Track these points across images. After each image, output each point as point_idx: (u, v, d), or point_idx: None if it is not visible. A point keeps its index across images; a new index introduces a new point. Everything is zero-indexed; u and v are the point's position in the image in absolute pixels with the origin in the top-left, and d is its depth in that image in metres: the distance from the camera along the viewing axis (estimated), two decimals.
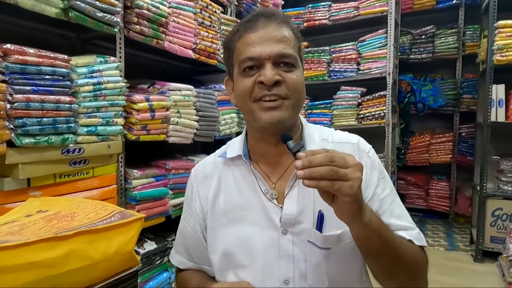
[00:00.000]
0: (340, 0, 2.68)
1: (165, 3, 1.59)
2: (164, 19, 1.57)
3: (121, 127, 1.36)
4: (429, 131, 3.36)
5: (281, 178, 0.71)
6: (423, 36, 3.25)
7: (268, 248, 0.68)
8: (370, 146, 0.75)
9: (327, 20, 2.69)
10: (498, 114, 2.16)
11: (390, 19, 2.46)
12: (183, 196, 0.99)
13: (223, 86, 2.00)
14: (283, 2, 2.74)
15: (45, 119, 1.08)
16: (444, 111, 3.21)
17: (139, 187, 1.47)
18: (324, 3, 2.71)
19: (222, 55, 2.01)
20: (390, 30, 2.46)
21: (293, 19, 2.83)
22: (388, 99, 2.48)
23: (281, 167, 0.71)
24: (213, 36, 1.95)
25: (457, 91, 3.14)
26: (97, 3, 1.22)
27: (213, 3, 1.92)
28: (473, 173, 2.85)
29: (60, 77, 1.12)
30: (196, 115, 1.80)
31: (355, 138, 0.75)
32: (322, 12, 2.71)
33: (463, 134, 3.13)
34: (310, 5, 2.77)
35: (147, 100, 1.48)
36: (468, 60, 3.11)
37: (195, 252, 0.79)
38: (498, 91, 2.16)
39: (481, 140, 2.39)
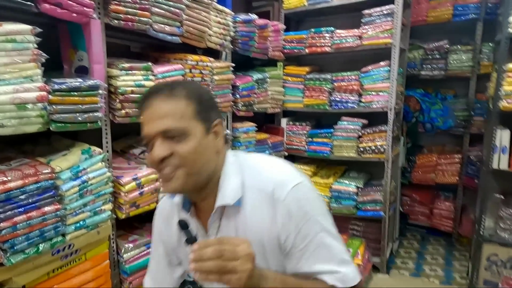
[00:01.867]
0: (343, 26, 2.56)
1: (151, 77, 1.60)
2: None
3: (110, 212, 1.44)
4: (438, 148, 3.27)
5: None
6: (436, 52, 3.07)
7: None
8: (293, 184, 0.72)
9: (329, 48, 2.59)
10: (500, 161, 2.09)
11: (394, 52, 2.34)
12: None
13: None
14: (284, 27, 2.65)
15: (32, 234, 1.17)
16: (453, 132, 3.10)
17: (131, 259, 1.57)
18: (327, 29, 2.60)
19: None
20: (394, 63, 2.35)
21: (295, 44, 2.74)
22: (389, 135, 2.43)
23: (206, 214, 0.79)
24: None
25: (469, 112, 3.00)
26: (79, 106, 1.26)
27: (203, 57, 1.90)
28: None
29: (45, 190, 1.19)
30: None
31: (272, 183, 0.72)
32: (325, 38, 2.60)
33: (472, 156, 3.03)
34: (313, 30, 2.66)
35: (135, 179, 1.54)
36: (482, 79, 2.94)
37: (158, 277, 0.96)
38: (502, 137, 2.07)
39: (483, 182, 2.33)
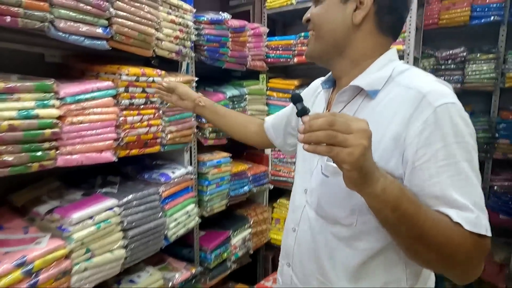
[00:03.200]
0: None
1: (53, 102, 1.04)
2: (50, 130, 1.02)
3: None
4: None
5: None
6: (450, 61, 2.56)
7: (307, 157, 0.83)
8: (454, 100, 0.62)
9: None
10: None
11: (407, 61, 1.82)
12: None
13: (177, 172, 1.49)
14: (267, 30, 2.11)
15: None
16: None
17: None
18: None
19: (170, 136, 1.47)
20: None
21: (281, 51, 2.21)
22: None
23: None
24: (152, 115, 1.39)
25: (491, 133, 2.49)
26: None
27: (147, 69, 1.35)
28: (509, 234, 2.27)
29: None
30: (124, 237, 1.29)
31: (429, 86, 0.64)
32: None
33: (496, 187, 2.51)
34: (303, 34, 2.13)
35: (21, 265, 0.97)
36: (507, 94, 2.45)
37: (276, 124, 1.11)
38: None
39: None
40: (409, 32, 1.80)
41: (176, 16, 1.47)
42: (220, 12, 1.79)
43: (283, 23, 2.56)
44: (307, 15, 0.77)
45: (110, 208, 1.23)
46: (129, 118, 1.28)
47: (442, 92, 0.63)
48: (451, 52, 2.55)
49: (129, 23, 1.24)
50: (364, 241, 0.70)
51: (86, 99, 1.13)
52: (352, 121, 0.51)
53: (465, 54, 2.51)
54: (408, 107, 0.62)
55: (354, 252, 0.71)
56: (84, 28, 1.11)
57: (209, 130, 1.75)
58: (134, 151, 1.34)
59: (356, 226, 0.70)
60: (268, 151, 2.32)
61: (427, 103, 0.61)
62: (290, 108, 1.06)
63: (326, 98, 0.85)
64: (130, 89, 1.28)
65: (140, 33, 1.30)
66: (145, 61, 1.66)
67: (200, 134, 1.76)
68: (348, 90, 0.74)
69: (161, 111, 1.43)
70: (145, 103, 1.35)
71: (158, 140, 1.44)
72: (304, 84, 2.27)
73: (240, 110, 1.96)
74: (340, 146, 0.50)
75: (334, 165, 0.58)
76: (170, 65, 1.63)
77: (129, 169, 1.61)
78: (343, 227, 0.72)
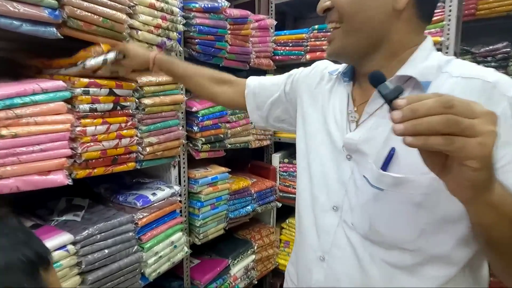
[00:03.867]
0: None
1: None
2: None
3: None
4: None
5: (365, 102, 0.64)
6: (490, 58, 2.20)
7: (333, 168, 0.67)
8: None
9: None
10: None
11: (447, 53, 1.47)
12: None
13: (159, 194, 1.21)
14: (275, 23, 1.80)
15: None
16: None
17: None
18: None
19: (149, 149, 1.17)
20: None
21: (291, 47, 1.89)
22: None
23: (368, 91, 0.64)
24: (124, 124, 1.10)
25: None
26: None
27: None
28: None
29: None
30: (82, 283, 0.99)
31: (495, 75, 0.55)
32: None
33: None
34: (317, 27, 1.81)
35: None
36: None
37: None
38: None
39: None
40: (449, 20, 1.46)
41: None
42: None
43: (294, 16, 2.24)
44: (326, 2, 0.62)
45: (63, 247, 0.94)
46: (90, 128, 0.99)
47: (506, 79, 0.54)
48: (491, 48, 2.19)
49: (87, 4, 0.94)
50: (436, 267, 0.57)
51: (24, 104, 0.84)
52: (471, 102, 0.39)
53: (508, 50, 2.14)
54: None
55: (422, 280, 0.58)
56: (22, 8, 0.83)
57: (201, 140, 1.44)
58: (99, 170, 1.04)
59: (425, 251, 0.57)
60: (276, 163, 2.00)
61: (499, 94, 0.52)
62: (278, 88, 0.89)
63: (347, 93, 0.70)
64: (92, 90, 0.99)
65: (106, 19, 1.00)
66: None
67: (191, 145, 1.46)
68: (392, 81, 0.59)
69: (136, 119, 1.14)
70: (114, 109, 1.06)
71: (133, 155, 1.14)
72: None
73: (241, 117, 1.65)
74: (464, 135, 0.37)
75: (397, 175, 0.55)
76: None
77: (103, 188, 1.32)
78: (405, 252, 0.58)
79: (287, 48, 1.90)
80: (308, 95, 0.79)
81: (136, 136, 1.14)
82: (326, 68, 0.79)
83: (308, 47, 1.83)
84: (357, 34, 0.61)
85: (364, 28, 0.60)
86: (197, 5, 1.37)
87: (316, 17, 2.17)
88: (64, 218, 1.09)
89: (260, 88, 0.92)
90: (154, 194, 1.25)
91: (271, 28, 1.86)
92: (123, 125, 1.09)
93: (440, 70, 0.58)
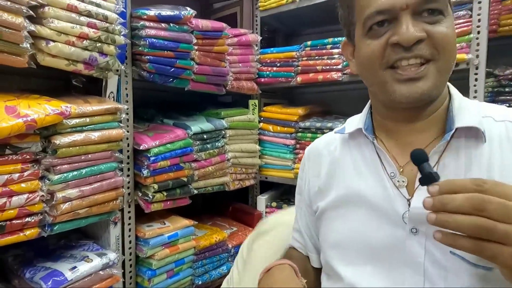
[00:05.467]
0: None
1: None
2: None
3: None
4: None
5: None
6: None
7: (389, 248, 0.52)
8: None
9: (340, 73, 1.40)
10: None
11: (476, 78, 1.13)
12: None
13: (82, 268, 0.84)
14: (259, 39, 1.49)
15: None
16: None
17: None
18: (335, 40, 1.43)
19: (66, 207, 0.82)
20: (477, 94, 1.14)
21: (278, 68, 1.56)
22: None
23: (413, 147, 0.49)
24: (19, 173, 0.73)
25: None
26: None
27: None
28: None
29: None
30: None
31: None
32: (332, 56, 1.42)
33: None
34: (309, 43, 1.49)
35: None
36: None
37: (305, 236, 0.70)
38: None
39: None
40: (478, 33, 1.13)
41: (81, 0, 0.85)
42: (180, 7, 1.17)
43: (285, 33, 1.94)
44: (420, 33, 0.48)
45: None
46: None
47: None
48: None
49: None
50: None
51: None
52: (508, 203, 0.35)
53: None
54: None
55: None
56: None
57: (153, 188, 1.09)
58: None
59: None
60: (261, 207, 1.63)
61: None
62: (306, 206, 0.69)
63: (377, 152, 0.57)
64: None
65: None
66: (67, 81, 1.08)
67: (140, 194, 1.10)
68: (460, 134, 0.51)
69: (41, 166, 0.79)
70: (2, 153, 0.71)
71: (35, 219, 0.79)
72: (312, 114, 1.60)
73: (215, 152, 1.31)
74: (498, 243, 0.35)
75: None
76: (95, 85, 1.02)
77: (11, 256, 0.96)
78: None
79: (275, 68, 1.57)
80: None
81: (41, 190, 0.79)
82: (311, 151, 0.70)
83: (299, 68, 1.50)
84: (447, 74, 0.52)
85: (451, 66, 0.52)
86: (149, 13, 1.06)
87: (312, 33, 1.87)
88: None
89: (302, 231, 0.71)
90: (74, 269, 0.89)
91: (256, 45, 1.55)
92: (15, 176, 0.74)
93: (478, 113, 0.53)
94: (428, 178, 0.41)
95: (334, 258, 0.58)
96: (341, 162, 0.62)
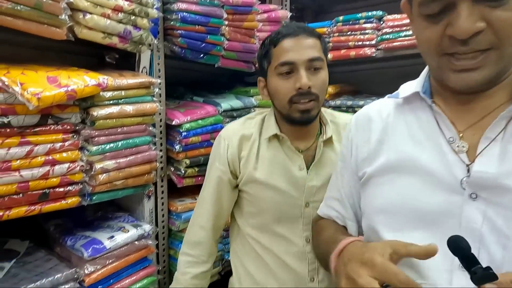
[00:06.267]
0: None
1: None
2: None
3: None
4: None
5: (474, 126, 0.51)
6: None
7: (443, 214, 0.50)
8: None
9: (374, 49, 1.35)
10: None
11: None
12: None
13: (119, 238, 0.89)
14: (289, 15, 1.46)
15: None
16: None
17: None
18: (368, 14, 1.37)
19: (104, 177, 0.85)
20: None
21: None
22: None
23: (475, 112, 0.51)
24: (60, 144, 0.77)
25: None
26: None
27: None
28: None
29: None
30: None
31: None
32: (365, 32, 1.37)
33: None
34: (341, 18, 1.44)
35: None
36: None
37: (347, 204, 0.67)
38: None
39: None
40: None
41: None
42: None
43: (314, 11, 1.88)
44: (479, 23, 0.44)
45: None
46: None
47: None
48: None
49: None
50: None
51: None
52: None
53: None
54: None
55: None
56: None
57: (185, 162, 1.10)
58: (17, 212, 0.72)
59: None
60: None
61: None
62: (351, 174, 0.67)
63: (434, 116, 0.54)
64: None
65: None
66: (100, 58, 1.10)
67: (172, 169, 1.12)
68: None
69: (81, 136, 0.81)
70: (41, 123, 0.74)
71: (75, 188, 0.81)
72: (344, 93, 1.56)
73: None
74: None
75: None
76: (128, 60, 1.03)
77: (53, 225, 1.01)
78: None
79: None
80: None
81: (81, 160, 0.82)
82: (359, 117, 0.67)
83: (331, 44, 1.46)
84: (504, 61, 0.47)
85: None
86: None
87: (342, 10, 1.81)
88: None
89: (342, 206, 0.70)
90: (111, 238, 0.92)
91: (285, 22, 1.51)
92: (57, 145, 0.77)
93: None
94: (486, 277, 0.37)
95: (379, 223, 0.56)
96: (394, 128, 0.59)
